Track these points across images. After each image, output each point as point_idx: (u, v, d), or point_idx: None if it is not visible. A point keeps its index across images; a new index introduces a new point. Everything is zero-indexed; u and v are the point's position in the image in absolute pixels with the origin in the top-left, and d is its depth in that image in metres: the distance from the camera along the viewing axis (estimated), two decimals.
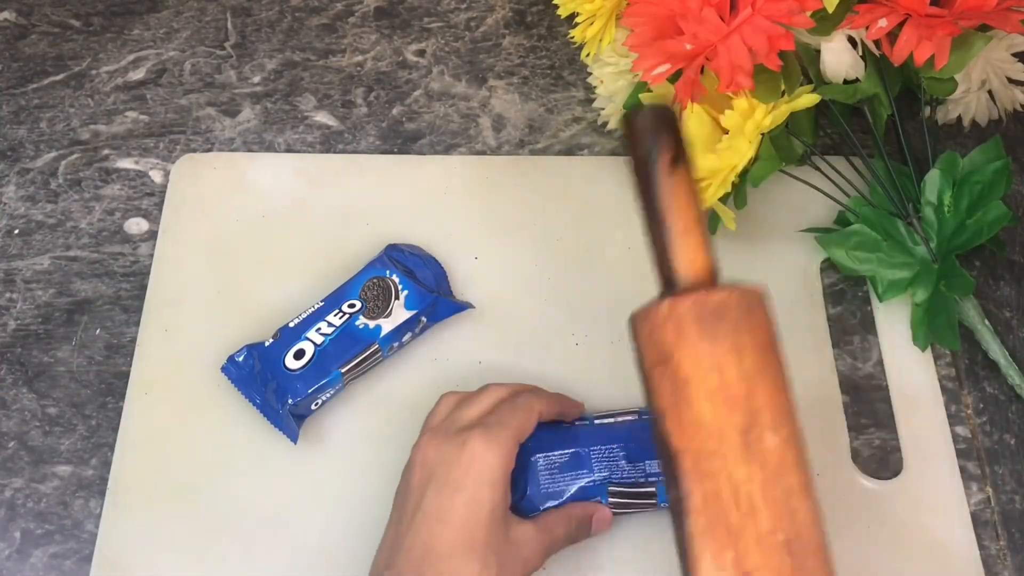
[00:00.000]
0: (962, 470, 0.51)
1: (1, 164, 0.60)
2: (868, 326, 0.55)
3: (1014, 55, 0.55)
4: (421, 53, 0.65)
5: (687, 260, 0.38)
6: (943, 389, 0.53)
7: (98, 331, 0.54)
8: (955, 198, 0.53)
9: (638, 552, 0.48)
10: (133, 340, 0.54)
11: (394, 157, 0.61)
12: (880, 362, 0.53)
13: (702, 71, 0.49)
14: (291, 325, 0.51)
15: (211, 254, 0.56)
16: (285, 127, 0.62)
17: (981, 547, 0.49)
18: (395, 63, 0.65)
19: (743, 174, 0.52)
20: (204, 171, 0.59)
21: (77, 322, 0.55)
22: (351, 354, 0.50)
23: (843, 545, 0.48)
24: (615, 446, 0.46)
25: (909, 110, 0.57)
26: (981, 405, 0.53)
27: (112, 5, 0.67)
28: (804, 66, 0.52)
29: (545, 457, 0.46)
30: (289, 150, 0.61)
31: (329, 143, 0.61)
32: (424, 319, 0.52)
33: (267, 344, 0.50)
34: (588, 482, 0.46)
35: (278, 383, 0.49)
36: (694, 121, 0.52)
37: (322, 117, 0.62)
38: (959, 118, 0.59)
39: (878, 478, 0.50)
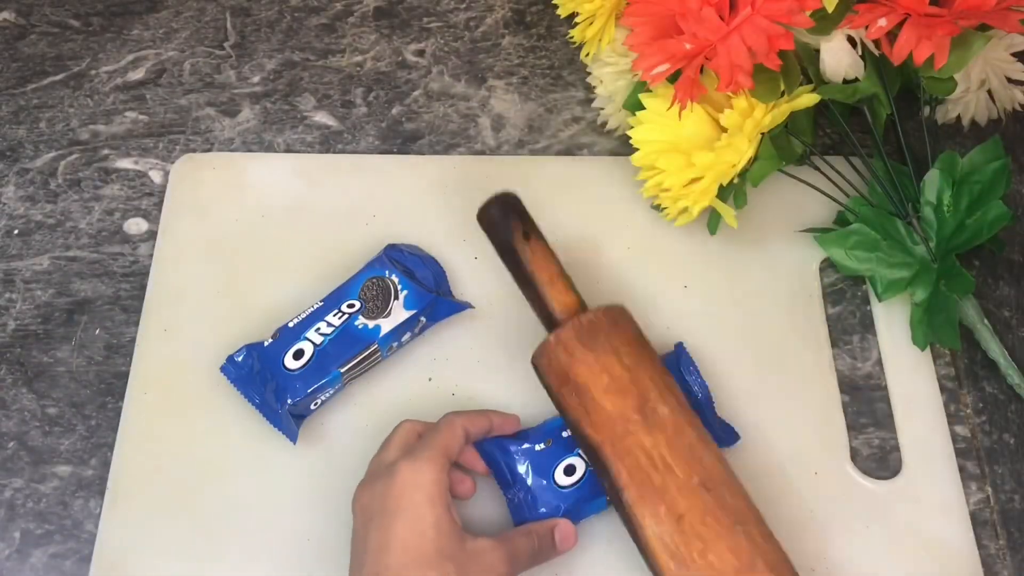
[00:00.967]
0: (961, 470, 0.51)
1: (0, 164, 0.60)
2: (867, 326, 0.55)
3: (1013, 55, 0.55)
4: (420, 53, 0.65)
5: (559, 302, 0.48)
6: (942, 389, 0.53)
7: (98, 331, 0.54)
8: (954, 198, 0.53)
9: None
10: (132, 340, 0.54)
11: (393, 157, 0.61)
12: (879, 362, 0.53)
13: (702, 70, 0.49)
14: (290, 325, 0.51)
15: (210, 254, 0.56)
16: (284, 127, 0.62)
17: (980, 547, 0.49)
18: (394, 63, 0.65)
19: (743, 173, 0.52)
20: (203, 171, 0.59)
21: (77, 322, 0.55)
22: (350, 354, 0.50)
23: (843, 545, 0.48)
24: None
25: (909, 110, 0.57)
26: (980, 405, 0.53)
27: (111, 5, 0.67)
28: (804, 66, 0.52)
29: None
30: (288, 150, 0.61)
31: (328, 143, 0.61)
32: (423, 319, 0.52)
33: (266, 344, 0.50)
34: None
35: (277, 383, 0.49)
36: (694, 121, 0.52)
37: (321, 117, 0.62)
38: (958, 118, 0.59)
39: (877, 478, 0.50)
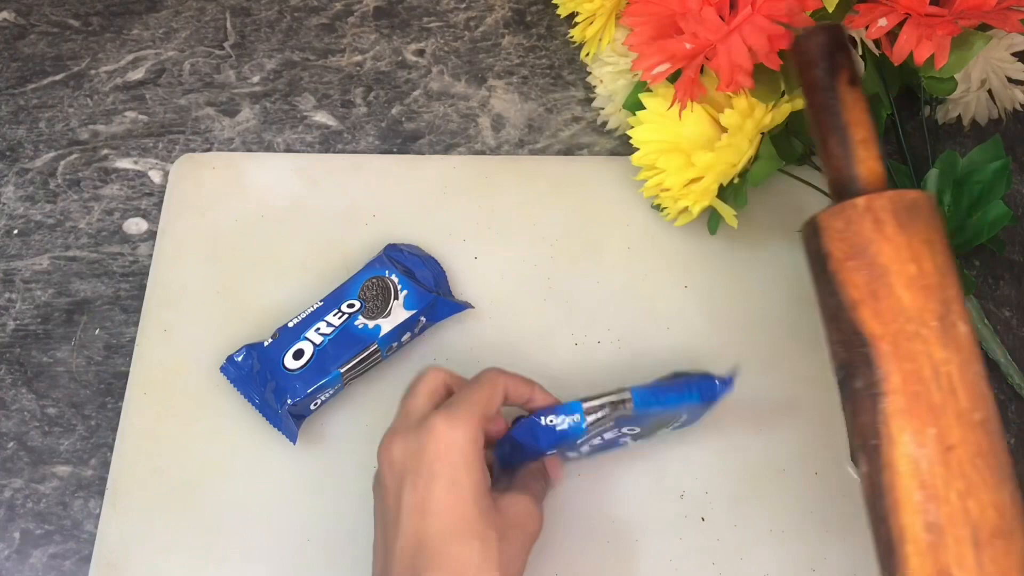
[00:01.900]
0: None
1: (0, 164, 0.60)
2: None
3: (1014, 55, 0.55)
4: (420, 53, 0.65)
5: (868, 166, 0.41)
6: None
7: (97, 331, 0.54)
8: (955, 198, 0.53)
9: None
10: (132, 340, 0.54)
11: (393, 157, 0.60)
12: None
13: (702, 70, 0.49)
14: (290, 325, 0.51)
15: (210, 254, 0.56)
16: (284, 127, 0.62)
17: None
18: (394, 63, 0.65)
19: (743, 173, 0.52)
20: (203, 171, 0.59)
21: (76, 322, 0.55)
22: (350, 354, 0.50)
23: (843, 545, 0.48)
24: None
25: (909, 110, 0.57)
26: None
27: (111, 5, 0.67)
28: None
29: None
30: (288, 150, 0.61)
31: (328, 143, 0.61)
32: (423, 319, 0.52)
33: (266, 344, 0.50)
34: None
35: (277, 383, 0.49)
36: (694, 121, 0.52)
37: (321, 117, 0.62)
38: (959, 118, 0.59)
39: None
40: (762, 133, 0.51)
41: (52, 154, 0.61)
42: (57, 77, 0.64)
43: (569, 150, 0.61)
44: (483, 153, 0.61)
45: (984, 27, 0.49)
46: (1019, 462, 0.51)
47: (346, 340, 0.50)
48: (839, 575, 0.48)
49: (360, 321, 0.50)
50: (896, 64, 0.48)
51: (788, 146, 0.53)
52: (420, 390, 0.44)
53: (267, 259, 0.56)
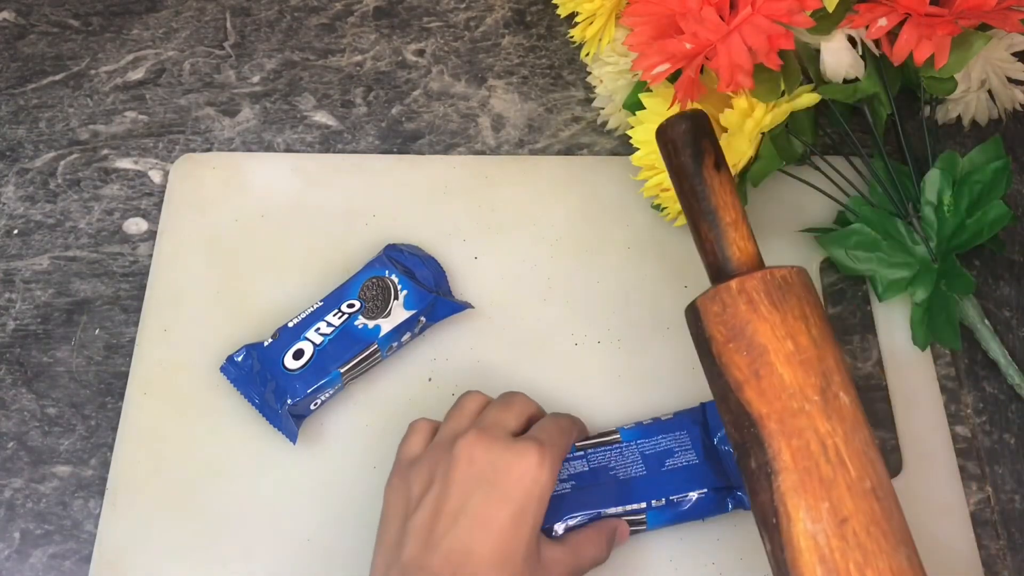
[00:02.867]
0: (962, 470, 0.50)
1: (0, 164, 0.60)
2: (868, 326, 0.55)
3: (1014, 55, 0.55)
4: (420, 53, 0.65)
5: (739, 247, 0.42)
6: (943, 389, 0.53)
7: (97, 331, 0.54)
8: (955, 198, 0.53)
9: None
10: (132, 340, 0.54)
11: (393, 157, 0.60)
12: (880, 362, 0.53)
13: (702, 70, 0.49)
14: (290, 325, 0.51)
15: (210, 254, 0.56)
16: (284, 127, 0.62)
17: (981, 547, 0.49)
18: (394, 63, 0.65)
19: (743, 173, 0.52)
20: (203, 171, 0.59)
21: (76, 322, 0.55)
22: (350, 354, 0.50)
23: None
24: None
25: (909, 109, 0.57)
26: (981, 405, 0.53)
27: (111, 5, 0.67)
28: (804, 65, 0.52)
29: None
30: (288, 150, 0.61)
31: (328, 143, 0.61)
32: (423, 319, 0.52)
33: (266, 344, 0.50)
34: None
35: (277, 383, 0.49)
36: None
37: (321, 117, 0.62)
38: (959, 118, 0.59)
39: None
40: (762, 133, 0.51)
41: (52, 154, 0.61)
42: (57, 77, 0.64)
43: (569, 150, 0.61)
44: (483, 153, 0.61)
45: (984, 27, 0.49)
46: (1020, 462, 0.51)
47: (346, 340, 0.50)
48: None
49: (360, 321, 0.50)
50: (896, 64, 0.48)
51: (788, 146, 0.53)
52: (515, 408, 0.46)
53: (267, 259, 0.56)
